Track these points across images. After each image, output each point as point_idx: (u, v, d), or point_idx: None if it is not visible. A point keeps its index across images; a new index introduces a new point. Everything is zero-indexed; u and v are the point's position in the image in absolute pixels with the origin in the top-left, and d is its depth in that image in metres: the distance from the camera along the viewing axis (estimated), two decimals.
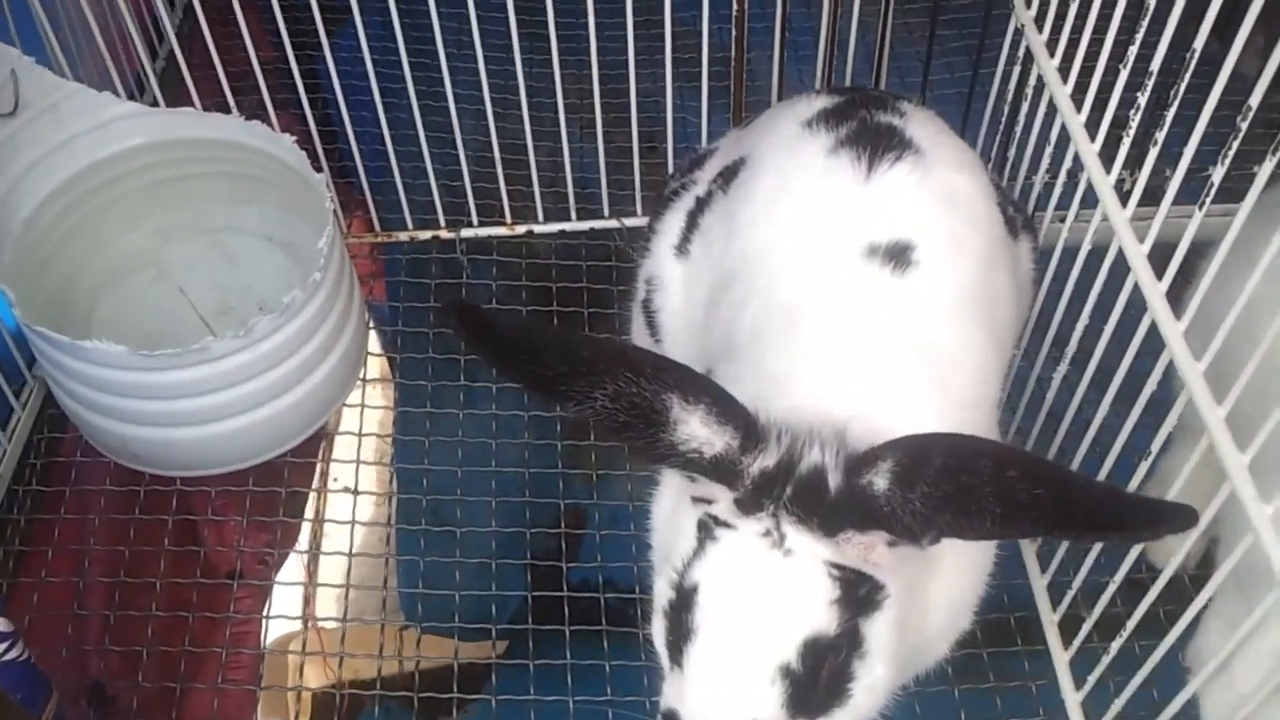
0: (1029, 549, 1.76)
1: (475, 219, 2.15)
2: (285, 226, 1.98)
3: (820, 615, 1.04)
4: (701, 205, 1.59)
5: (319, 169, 1.85)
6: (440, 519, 1.86)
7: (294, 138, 1.85)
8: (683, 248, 1.60)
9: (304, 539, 1.88)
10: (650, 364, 1.05)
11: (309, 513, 1.89)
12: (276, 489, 1.86)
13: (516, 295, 2.12)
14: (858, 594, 1.06)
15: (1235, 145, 1.17)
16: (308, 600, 1.80)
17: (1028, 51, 1.69)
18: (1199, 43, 1.23)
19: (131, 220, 1.97)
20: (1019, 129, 1.76)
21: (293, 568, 1.85)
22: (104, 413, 1.73)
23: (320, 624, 1.78)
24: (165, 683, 1.66)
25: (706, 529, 1.09)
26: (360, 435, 1.95)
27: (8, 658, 1.27)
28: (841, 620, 1.05)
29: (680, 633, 1.08)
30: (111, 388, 1.68)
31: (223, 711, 1.65)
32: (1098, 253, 1.48)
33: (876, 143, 1.39)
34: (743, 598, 1.06)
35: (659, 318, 1.65)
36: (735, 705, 1.05)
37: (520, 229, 2.16)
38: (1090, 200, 1.50)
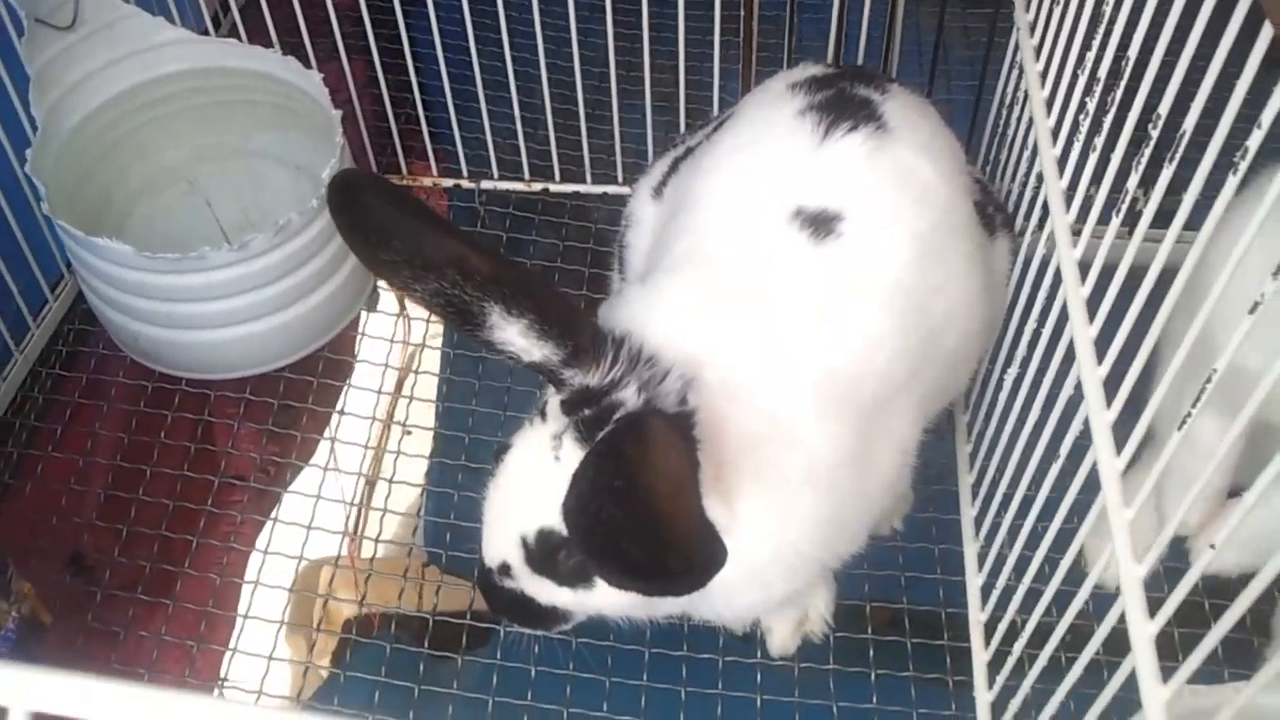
0: (970, 547, 1.77)
1: (496, 172, 2.24)
2: (312, 156, 2.10)
3: (556, 517, 1.14)
4: (688, 153, 1.64)
5: (337, 108, 1.95)
6: (477, 459, 1.92)
7: (323, 75, 1.97)
8: (660, 190, 1.65)
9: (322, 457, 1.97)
10: (486, 271, 1.15)
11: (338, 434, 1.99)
12: (270, 400, 1.98)
13: (525, 249, 2.21)
14: None
15: (1146, 155, 1.18)
16: (350, 529, 1.89)
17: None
18: (1133, 50, 1.24)
19: (171, 138, 2.12)
20: (1012, 132, 1.77)
21: (303, 480, 1.93)
22: (117, 308, 1.88)
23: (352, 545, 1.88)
24: (138, 560, 1.80)
25: (537, 410, 1.25)
26: (385, 367, 2.06)
27: None
28: None
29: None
30: (122, 285, 1.82)
31: (186, 594, 1.78)
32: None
33: (842, 111, 1.41)
34: (516, 476, 1.26)
35: (627, 254, 1.70)
36: (494, 548, 1.29)
37: (537, 186, 2.24)
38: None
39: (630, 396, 1.19)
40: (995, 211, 1.62)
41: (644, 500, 1.05)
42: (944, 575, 1.79)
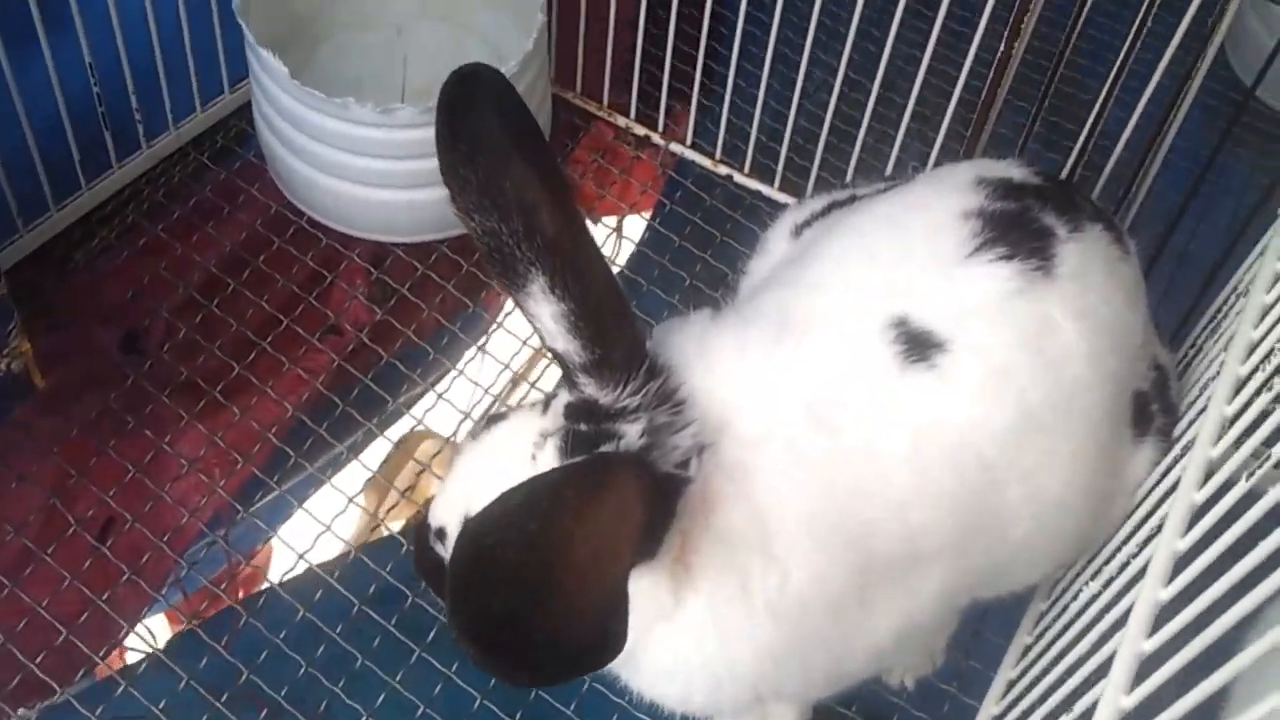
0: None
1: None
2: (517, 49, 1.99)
3: None
4: (851, 200, 1.47)
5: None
6: None
7: None
8: (801, 230, 1.49)
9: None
10: (549, 235, 1.02)
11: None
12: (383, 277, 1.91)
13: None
14: None
15: None
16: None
17: None
18: None
19: None
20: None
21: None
22: (265, 122, 1.87)
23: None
24: (191, 362, 1.79)
25: (547, 396, 1.14)
26: None
27: None
28: None
29: None
30: (275, 103, 1.79)
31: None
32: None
33: (1007, 234, 1.21)
34: (490, 453, 1.14)
35: (742, 281, 1.55)
36: (441, 511, 1.16)
37: (723, 170, 2.09)
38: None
39: (632, 435, 1.05)
40: (1159, 411, 1.35)
41: (548, 558, 0.89)
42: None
